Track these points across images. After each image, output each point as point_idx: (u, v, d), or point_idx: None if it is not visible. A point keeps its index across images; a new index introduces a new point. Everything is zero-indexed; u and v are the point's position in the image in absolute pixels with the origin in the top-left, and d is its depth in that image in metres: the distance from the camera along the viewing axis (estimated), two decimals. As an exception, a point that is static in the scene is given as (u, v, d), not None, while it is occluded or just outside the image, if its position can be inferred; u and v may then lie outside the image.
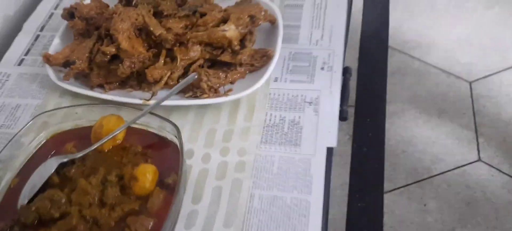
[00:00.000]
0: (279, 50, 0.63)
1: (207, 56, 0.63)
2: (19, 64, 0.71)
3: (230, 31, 0.62)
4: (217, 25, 0.65)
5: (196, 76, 0.57)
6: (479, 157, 1.30)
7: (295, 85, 0.63)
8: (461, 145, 1.33)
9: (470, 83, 1.46)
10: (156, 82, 0.61)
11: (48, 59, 0.63)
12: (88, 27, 0.68)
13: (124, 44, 0.61)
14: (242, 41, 0.64)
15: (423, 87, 1.47)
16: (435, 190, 1.27)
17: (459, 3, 1.68)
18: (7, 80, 0.68)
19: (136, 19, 0.63)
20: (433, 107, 1.42)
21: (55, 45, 0.68)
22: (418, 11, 1.68)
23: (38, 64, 0.70)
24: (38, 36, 0.75)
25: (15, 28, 0.78)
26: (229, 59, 0.62)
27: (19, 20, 0.80)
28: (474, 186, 1.26)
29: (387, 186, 1.29)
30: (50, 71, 0.64)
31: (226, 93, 0.61)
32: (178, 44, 0.63)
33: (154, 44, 0.64)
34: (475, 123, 1.37)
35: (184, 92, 0.62)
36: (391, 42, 1.63)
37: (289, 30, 0.69)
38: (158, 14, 0.67)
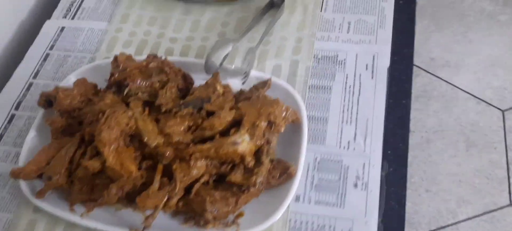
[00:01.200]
0: (302, 166, 0.51)
1: (214, 171, 0.51)
2: (-12, 157, 0.59)
3: (243, 144, 0.50)
4: (228, 129, 0.52)
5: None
6: (511, 201, 1.19)
7: (322, 209, 0.51)
8: (491, 185, 1.22)
9: (503, 112, 1.33)
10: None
11: (17, 175, 0.51)
12: (71, 121, 0.56)
13: (111, 161, 0.49)
14: (257, 153, 0.52)
15: (450, 114, 1.34)
16: (461, 238, 1.16)
17: (492, 14, 1.52)
18: (-28, 181, 0.57)
19: (127, 124, 0.51)
20: (461, 139, 1.30)
21: (29, 141, 0.56)
22: (446, 23, 1.52)
23: (11, 160, 0.58)
24: (12, 116, 0.62)
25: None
26: (241, 180, 0.50)
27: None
28: (504, 235, 1.15)
29: None
30: (22, 184, 0.53)
31: (235, 222, 0.49)
32: (178, 160, 0.51)
33: (148, 154, 0.52)
34: (507, 160, 1.25)
35: (183, 218, 0.51)
36: (416, 59, 1.49)
37: (314, 125, 0.57)
38: (155, 109, 0.55)
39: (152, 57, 0.58)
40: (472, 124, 1.32)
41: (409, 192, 1.38)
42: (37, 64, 0.67)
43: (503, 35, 1.47)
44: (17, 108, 0.63)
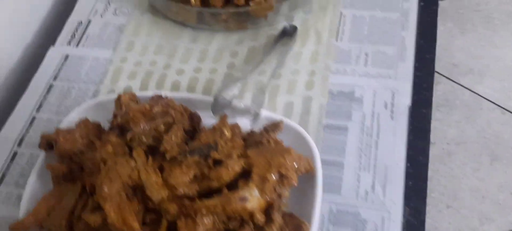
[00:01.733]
0: (317, 223, 0.48)
1: (222, 227, 0.48)
2: (-12, 200, 0.57)
3: (253, 200, 0.47)
4: (236, 181, 0.49)
5: None
6: (537, 219, 1.14)
7: (337, 268, 0.48)
8: (516, 202, 1.17)
9: (530, 123, 1.27)
10: (154, 271, 0.47)
11: (16, 230, 0.49)
12: (72, 166, 0.53)
13: (113, 217, 0.46)
14: (268, 209, 0.48)
15: (473, 125, 1.28)
16: (483, 257, 1.12)
17: (519, 17, 1.44)
18: (-29, 227, 0.55)
19: (130, 176, 0.48)
20: (484, 152, 1.24)
21: (30, 186, 0.54)
22: (471, 26, 1.45)
23: (13, 203, 0.56)
24: (14, 155, 0.60)
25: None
26: (250, 238, 0.47)
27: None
28: (529, 255, 1.10)
29: (427, 248, 1.15)
30: (22, 235, 0.51)
31: None
32: (183, 216, 0.48)
33: (152, 207, 0.49)
34: (533, 175, 1.19)
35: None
36: (437, 65, 1.43)
37: (328, 171, 0.53)
38: (158, 155, 0.52)
39: (157, 98, 0.55)
40: (496, 135, 1.26)
41: (428, 208, 1.34)
42: (40, 96, 0.65)
43: (531, 40, 1.40)
44: (19, 144, 0.61)
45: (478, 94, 1.33)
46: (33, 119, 0.63)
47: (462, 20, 1.47)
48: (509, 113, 1.29)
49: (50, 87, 0.66)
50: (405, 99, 0.58)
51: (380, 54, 0.62)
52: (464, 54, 1.40)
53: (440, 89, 1.36)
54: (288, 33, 0.64)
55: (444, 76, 1.38)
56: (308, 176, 0.51)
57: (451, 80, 1.37)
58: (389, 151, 0.54)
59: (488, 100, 1.32)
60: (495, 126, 1.27)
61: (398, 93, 0.58)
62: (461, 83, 1.36)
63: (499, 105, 1.30)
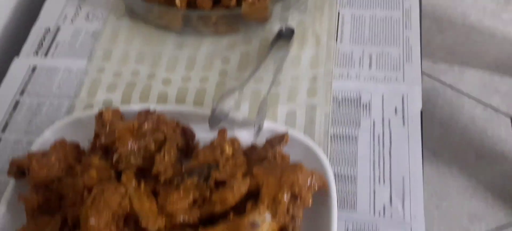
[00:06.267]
0: (335, 245, 0.43)
1: (229, 258, 0.42)
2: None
3: (265, 225, 0.41)
4: (242, 203, 0.43)
5: None
6: (525, 216, 1.13)
7: None
8: (503, 200, 1.16)
9: (511, 118, 1.27)
10: None
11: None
12: (49, 195, 0.46)
13: (102, 255, 0.40)
14: (281, 234, 0.43)
15: (457, 123, 1.27)
16: (474, 257, 1.10)
17: (495, 13, 1.45)
18: None
19: (120, 205, 0.42)
20: (469, 150, 1.23)
21: (0, 220, 0.46)
22: (448, 24, 1.44)
23: (-22, 241, 0.48)
24: (-21, 183, 0.52)
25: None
26: (263, 269, 0.42)
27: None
28: (519, 252, 1.10)
29: (418, 251, 1.12)
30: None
31: None
32: (185, 247, 0.42)
33: (148, 238, 0.43)
34: (519, 171, 1.19)
35: None
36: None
37: (341, 185, 0.48)
38: (151, 178, 0.46)
39: (145, 114, 0.49)
40: (480, 132, 1.25)
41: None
42: (5, 114, 0.57)
43: (507, 36, 1.40)
44: (-11, 169, 0.53)
45: (460, 91, 1.32)
46: (-1, 140, 0.55)
47: (439, 19, 1.46)
48: (491, 108, 1.28)
49: (16, 104, 0.58)
50: (416, 104, 0.54)
51: (385, 55, 0.57)
52: (444, 51, 1.39)
53: (423, 88, 1.34)
54: (284, 36, 0.59)
55: (425, 73, 1.36)
56: (321, 192, 0.46)
57: (433, 78, 1.35)
58: (404, 160, 0.50)
59: (470, 96, 1.31)
60: (478, 123, 1.26)
61: (407, 97, 0.54)
62: (443, 80, 1.34)
63: (480, 101, 1.29)
